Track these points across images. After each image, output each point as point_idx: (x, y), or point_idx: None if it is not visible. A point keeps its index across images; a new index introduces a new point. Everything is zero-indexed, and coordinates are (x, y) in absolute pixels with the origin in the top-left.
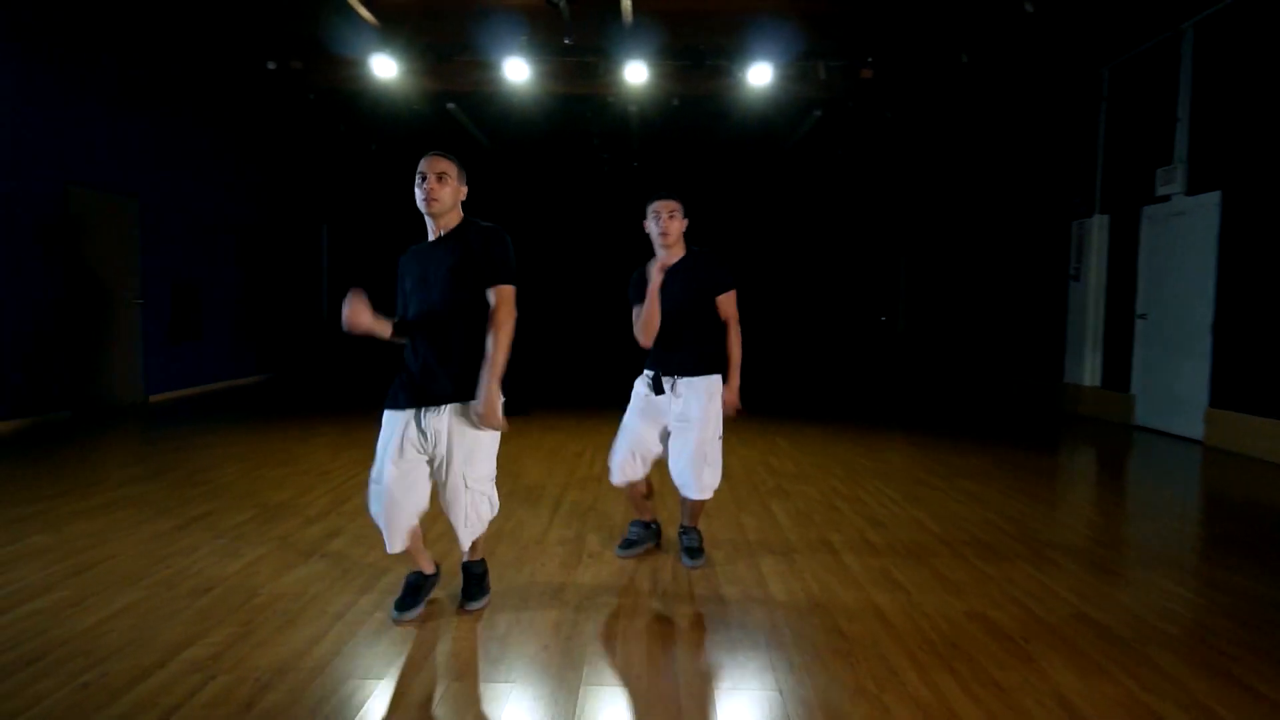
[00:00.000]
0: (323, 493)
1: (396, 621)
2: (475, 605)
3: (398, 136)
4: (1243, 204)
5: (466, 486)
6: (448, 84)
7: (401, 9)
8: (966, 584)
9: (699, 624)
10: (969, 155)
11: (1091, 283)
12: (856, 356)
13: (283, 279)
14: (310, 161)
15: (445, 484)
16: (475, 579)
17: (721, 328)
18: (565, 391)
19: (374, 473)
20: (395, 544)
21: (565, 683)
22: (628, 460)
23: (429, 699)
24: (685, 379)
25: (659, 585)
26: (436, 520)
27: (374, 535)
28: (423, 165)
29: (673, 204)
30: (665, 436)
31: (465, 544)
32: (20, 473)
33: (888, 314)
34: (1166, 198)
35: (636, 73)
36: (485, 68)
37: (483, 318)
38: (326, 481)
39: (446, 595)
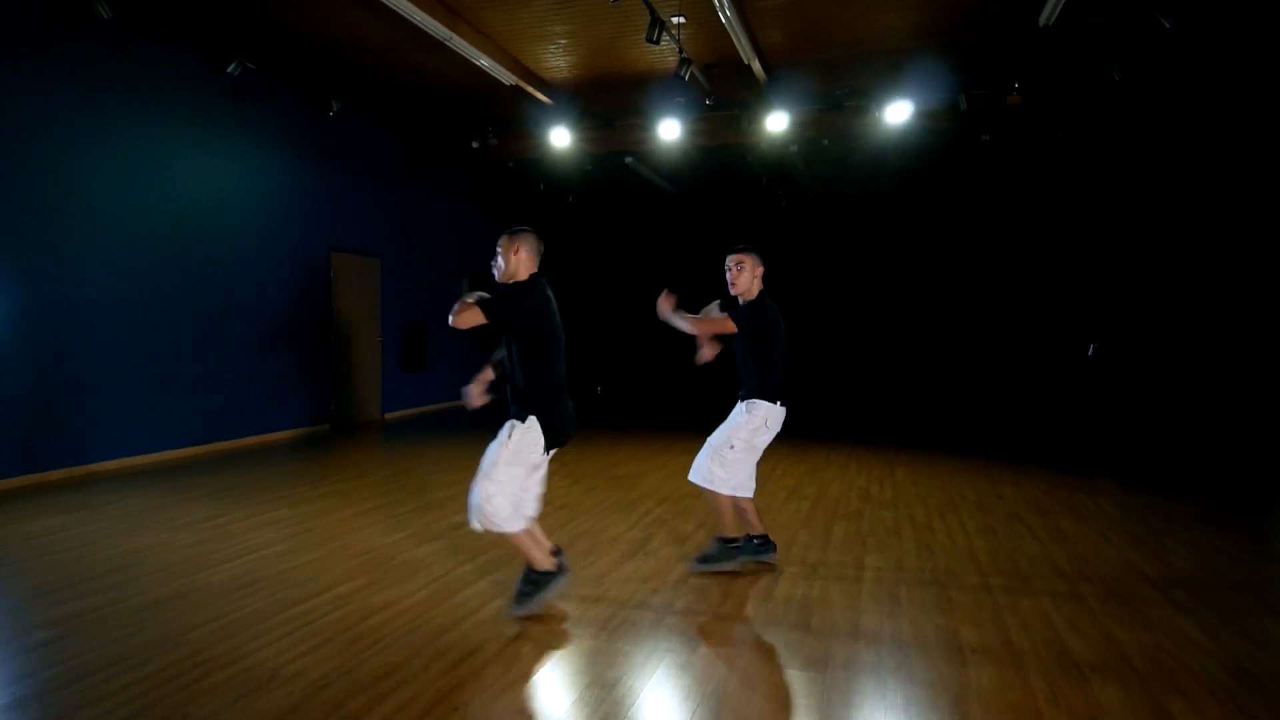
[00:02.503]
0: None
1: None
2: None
3: (590, 190)
4: None
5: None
6: (613, 146)
7: (569, 87)
8: (965, 605)
9: (737, 630)
10: (1171, 161)
11: None
12: (1026, 389)
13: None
14: (517, 217)
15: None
16: None
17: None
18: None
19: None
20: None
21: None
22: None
23: (468, 641)
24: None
25: (701, 589)
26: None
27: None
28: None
29: (740, 256)
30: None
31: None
32: (284, 469)
33: (1097, 343)
34: None
35: (777, 122)
36: (642, 128)
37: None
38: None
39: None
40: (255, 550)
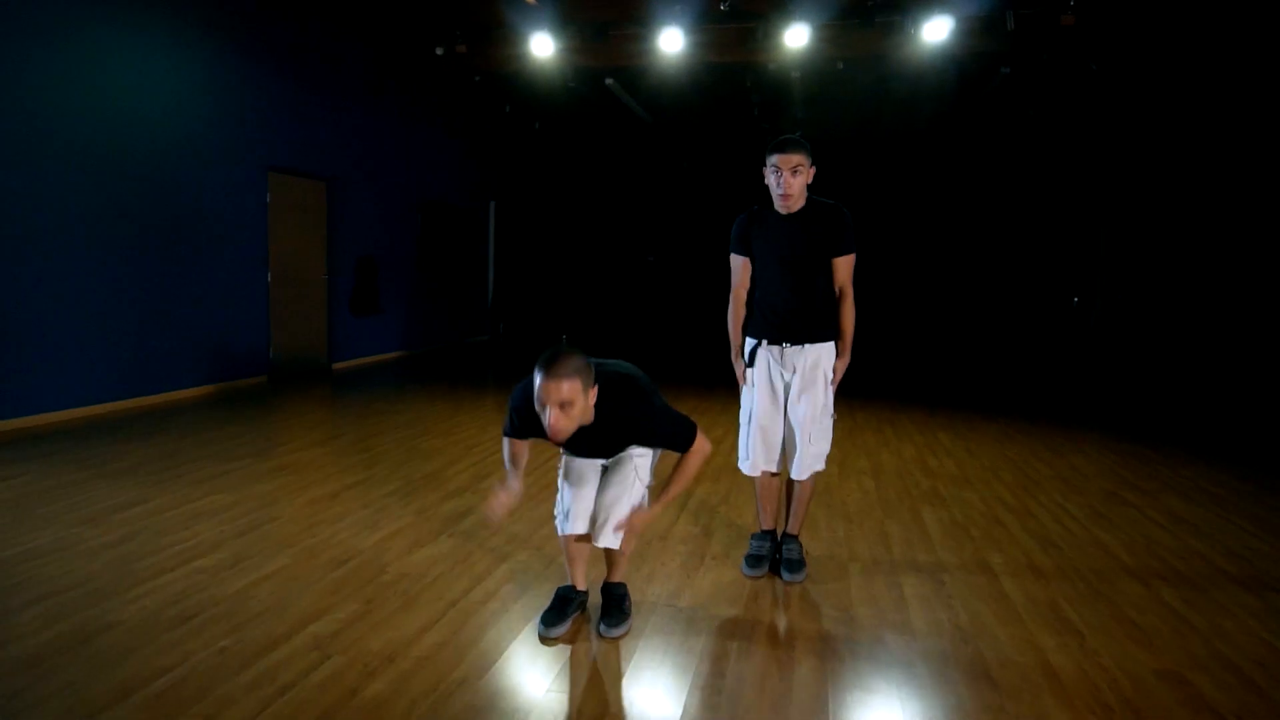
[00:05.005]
0: (465, 466)
1: (541, 637)
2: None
3: (560, 114)
4: None
5: None
6: (604, 60)
7: None
8: (1160, 633)
9: (821, 652)
10: (1198, 107)
11: None
12: (1041, 343)
13: (455, 255)
14: (478, 141)
15: None
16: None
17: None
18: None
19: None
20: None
21: (665, 713)
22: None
23: (516, 710)
24: (796, 346)
25: (781, 598)
26: None
27: (509, 515)
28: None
29: (798, 158)
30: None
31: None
32: (220, 433)
33: (1081, 295)
34: None
35: (797, 36)
36: (640, 40)
37: None
38: (471, 455)
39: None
40: (191, 558)
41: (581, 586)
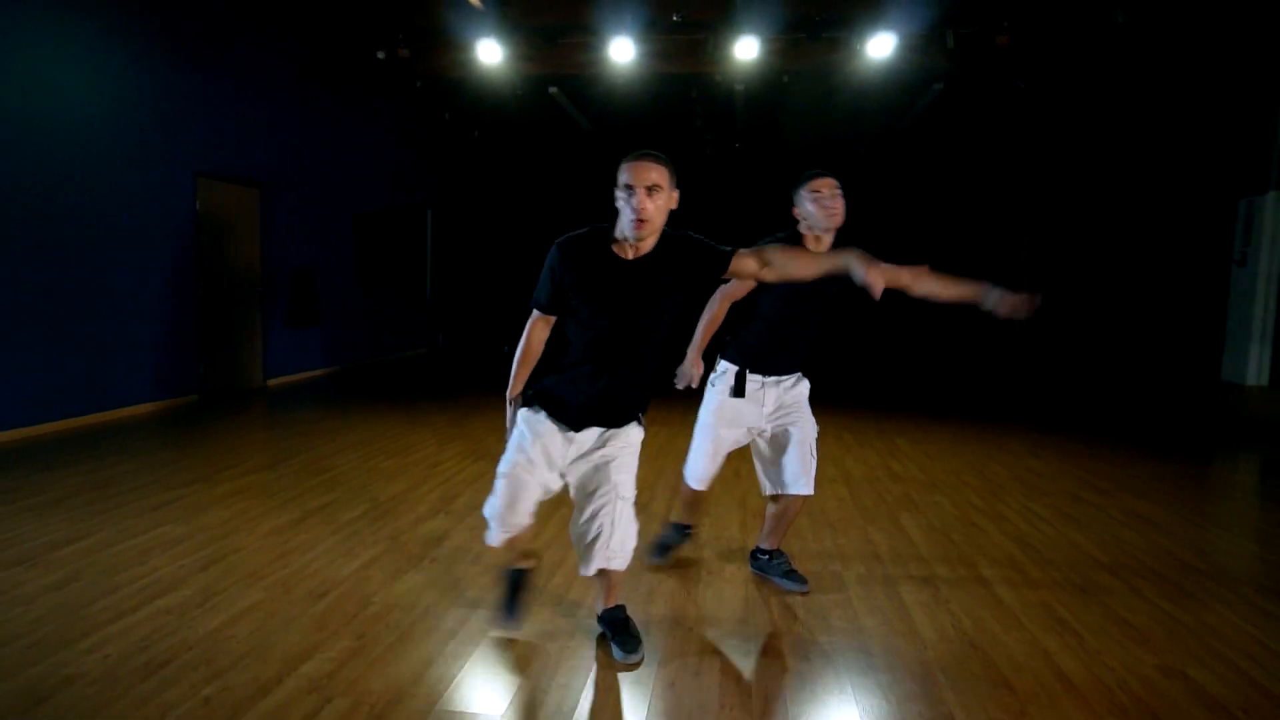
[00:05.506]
0: (431, 487)
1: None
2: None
3: (500, 122)
4: None
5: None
6: (552, 67)
7: None
8: (1154, 631)
9: (840, 664)
10: (1115, 126)
11: (1261, 268)
12: (969, 351)
13: (393, 265)
14: (417, 149)
15: None
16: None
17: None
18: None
19: None
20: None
21: None
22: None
23: None
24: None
25: (787, 611)
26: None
27: (481, 541)
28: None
29: (834, 180)
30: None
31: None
32: (156, 458)
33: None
34: None
35: (747, 48)
36: (590, 49)
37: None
38: (435, 475)
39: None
40: (150, 598)
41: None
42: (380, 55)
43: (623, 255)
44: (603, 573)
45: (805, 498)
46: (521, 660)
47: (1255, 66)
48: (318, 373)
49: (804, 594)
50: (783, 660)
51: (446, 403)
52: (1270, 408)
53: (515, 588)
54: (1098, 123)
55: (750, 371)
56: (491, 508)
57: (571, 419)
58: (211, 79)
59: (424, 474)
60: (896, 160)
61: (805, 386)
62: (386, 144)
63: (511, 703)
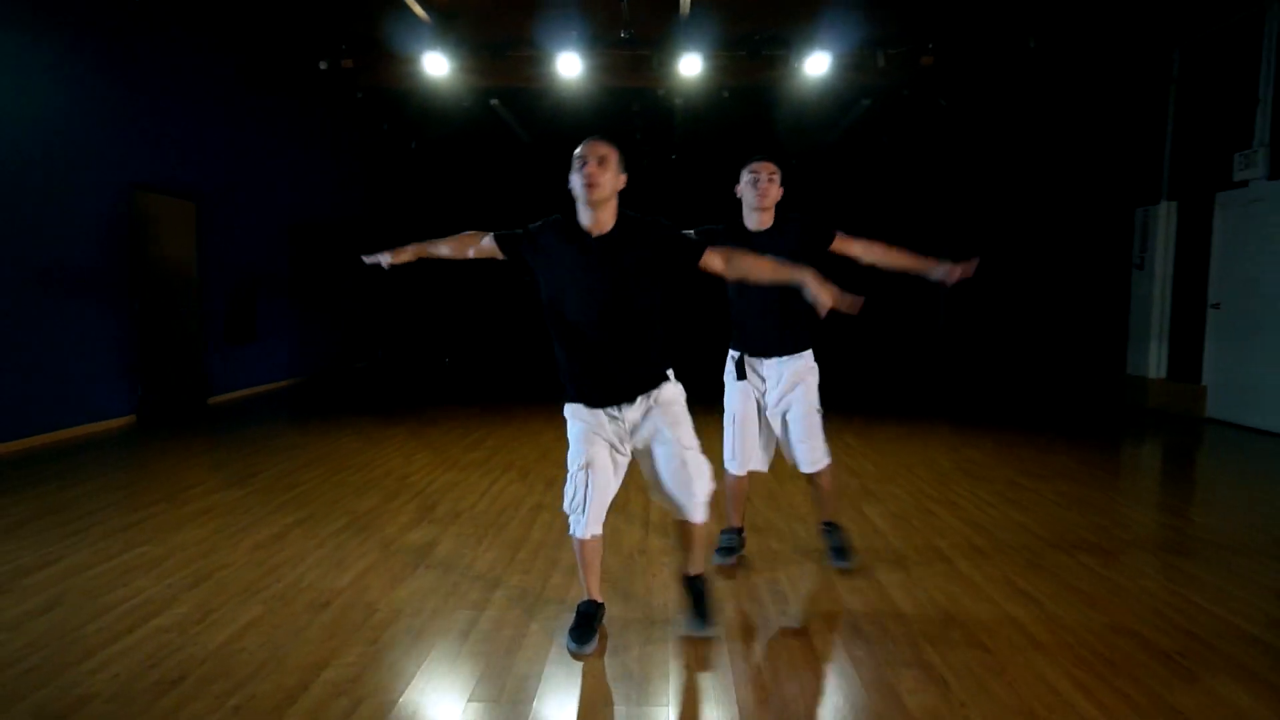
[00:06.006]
0: (406, 500)
1: (575, 655)
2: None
3: (439, 134)
4: None
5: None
6: (498, 80)
7: (455, 5)
8: (1100, 595)
9: (840, 641)
10: (1025, 140)
11: (1158, 271)
12: (897, 352)
13: (331, 278)
14: (356, 159)
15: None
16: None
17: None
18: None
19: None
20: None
21: (721, 705)
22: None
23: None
24: (769, 359)
25: (774, 595)
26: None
27: (475, 545)
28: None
29: (773, 165)
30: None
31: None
32: (109, 480)
33: (931, 305)
34: (1245, 183)
35: (691, 65)
36: (537, 63)
37: None
38: (406, 488)
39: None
40: (146, 617)
41: (599, 598)
42: (323, 66)
43: (585, 234)
44: (685, 531)
45: (824, 471)
46: (542, 650)
47: (1146, 89)
48: (259, 389)
49: (846, 570)
50: (783, 639)
51: (401, 416)
52: (1169, 398)
53: (588, 619)
54: (1012, 138)
55: (747, 355)
56: (571, 501)
57: (601, 399)
58: (148, 89)
59: (395, 486)
60: (826, 170)
61: (802, 364)
62: (325, 155)
63: (538, 694)
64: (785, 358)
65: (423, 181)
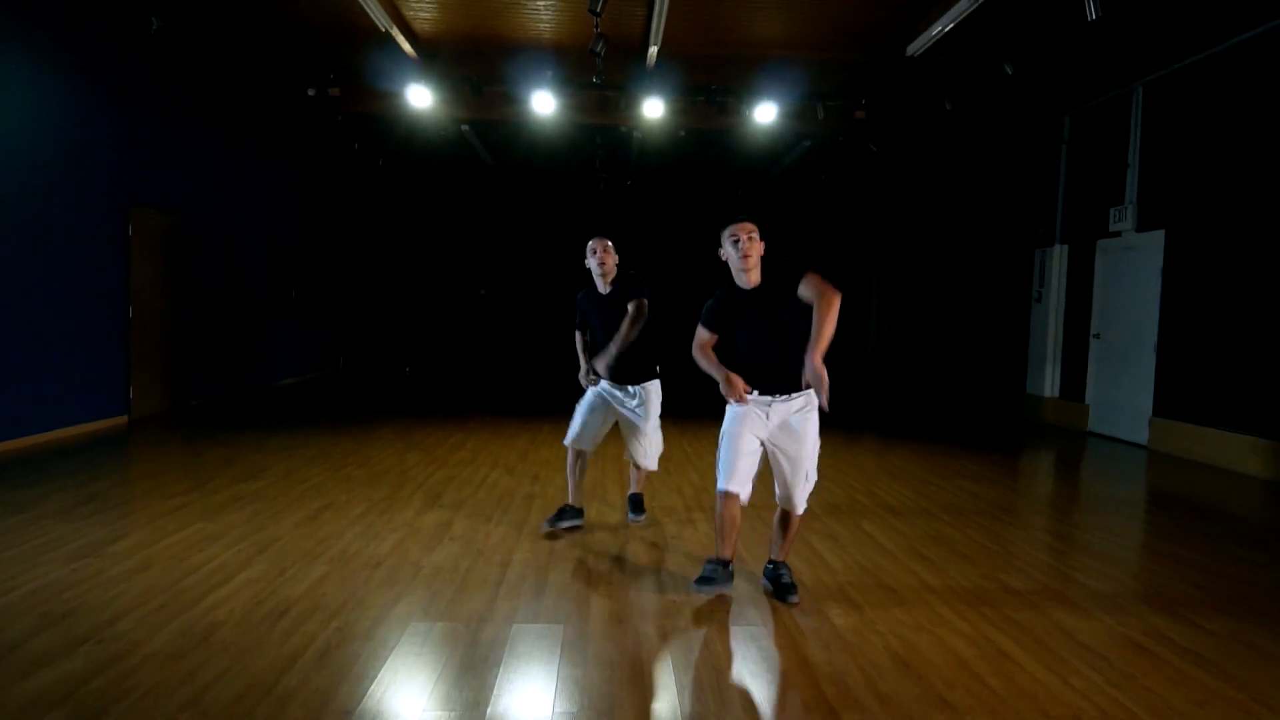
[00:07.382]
0: (412, 490)
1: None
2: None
3: (407, 155)
4: (1183, 242)
5: None
6: (476, 114)
7: (440, 43)
8: (978, 554)
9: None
10: (944, 187)
11: (1052, 305)
12: (831, 370)
13: (301, 290)
14: (326, 177)
15: None
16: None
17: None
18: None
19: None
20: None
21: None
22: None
23: (597, 635)
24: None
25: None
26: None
27: (488, 522)
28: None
29: (751, 225)
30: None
31: None
32: (129, 473)
33: (883, 329)
34: (1118, 233)
35: (654, 108)
36: (513, 100)
37: None
38: (409, 480)
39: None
40: (230, 575)
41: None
42: (311, 92)
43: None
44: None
45: (795, 516)
46: (596, 573)
47: (1043, 148)
48: (237, 393)
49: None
50: (725, 589)
51: (386, 419)
52: (1059, 414)
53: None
54: (932, 183)
55: (752, 387)
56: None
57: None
58: (145, 112)
59: (398, 480)
60: (769, 200)
61: (812, 415)
62: (296, 171)
63: (570, 615)
64: (801, 398)
65: (390, 199)
